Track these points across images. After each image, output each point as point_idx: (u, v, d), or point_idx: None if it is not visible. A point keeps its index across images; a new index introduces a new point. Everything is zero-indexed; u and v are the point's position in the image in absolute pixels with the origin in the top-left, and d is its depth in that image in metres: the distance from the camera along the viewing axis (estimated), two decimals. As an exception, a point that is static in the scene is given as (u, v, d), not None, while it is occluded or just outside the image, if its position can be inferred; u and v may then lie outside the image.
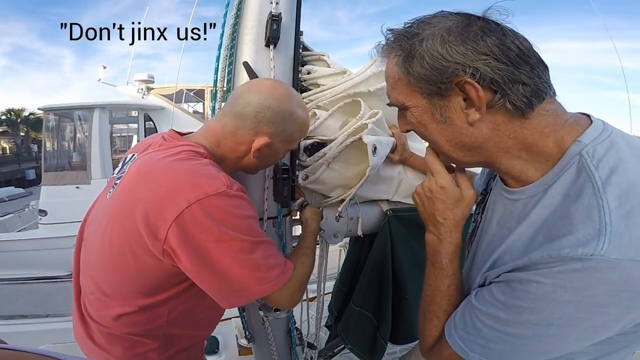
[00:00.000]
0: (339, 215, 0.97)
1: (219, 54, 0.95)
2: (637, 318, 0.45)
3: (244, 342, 1.45)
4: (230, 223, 0.63)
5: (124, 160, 0.80)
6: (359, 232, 1.09)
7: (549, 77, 0.50)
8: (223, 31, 0.96)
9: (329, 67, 1.14)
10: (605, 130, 0.49)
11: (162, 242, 0.61)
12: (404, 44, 0.52)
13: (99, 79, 6.87)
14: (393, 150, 1.09)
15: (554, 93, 0.51)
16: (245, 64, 0.91)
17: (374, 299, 1.15)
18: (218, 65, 0.95)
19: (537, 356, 0.50)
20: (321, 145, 1.03)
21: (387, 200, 1.16)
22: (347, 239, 1.39)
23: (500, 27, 0.49)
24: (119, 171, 0.78)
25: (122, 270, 0.68)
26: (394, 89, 0.57)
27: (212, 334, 1.89)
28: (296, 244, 0.94)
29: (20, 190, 11.89)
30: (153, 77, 6.92)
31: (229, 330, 1.76)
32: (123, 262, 0.66)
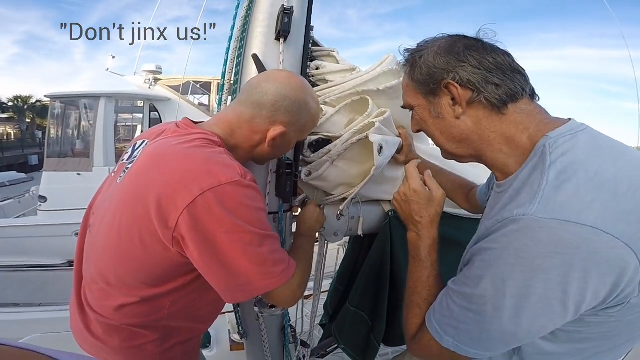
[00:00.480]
0: (340, 213, 0.96)
1: (229, 45, 0.94)
2: (587, 298, 0.47)
3: (236, 337, 1.44)
4: (242, 214, 0.62)
5: (134, 147, 0.78)
6: (360, 232, 1.08)
7: (525, 82, 0.60)
8: (234, 24, 0.96)
9: (338, 63, 1.13)
10: (577, 129, 0.55)
11: (173, 229, 0.61)
12: (410, 59, 0.67)
13: (107, 69, 6.86)
14: (399, 150, 1.08)
15: (534, 96, 0.61)
16: (254, 57, 0.90)
17: (370, 300, 1.14)
18: (227, 57, 0.94)
19: (505, 340, 0.52)
20: (326, 141, 1.02)
21: (390, 200, 1.15)
22: (346, 238, 1.38)
23: (482, 43, 0.61)
24: (129, 157, 0.76)
25: (129, 258, 0.67)
26: (405, 93, 0.71)
27: (205, 329, 1.90)
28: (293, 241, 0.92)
29: (22, 175, 11.90)
30: (161, 68, 6.91)
31: (221, 324, 1.75)
32: (130, 250, 0.65)
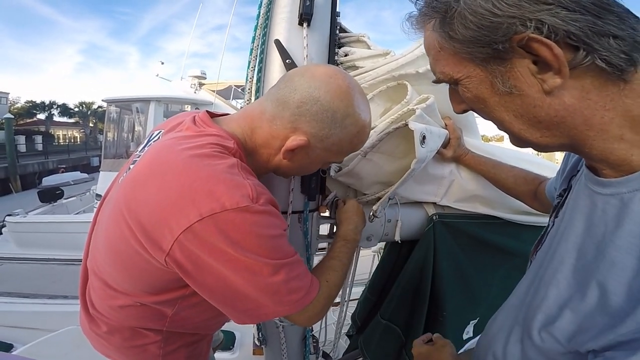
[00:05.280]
0: (373, 214, 0.83)
1: (254, 34, 0.88)
2: None
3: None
4: (250, 244, 0.53)
5: (150, 136, 0.72)
6: (397, 237, 0.94)
7: None
8: (259, 12, 0.89)
9: (369, 48, 1.01)
10: None
11: (166, 253, 0.52)
12: (436, 5, 0.43)
13: (157, 74, 7.31)
14: (445, 144, 0.93)
15: None
16: (277, 42, 0.82)
17: (405, 314, 1.02)
18: (252, 45, 0.88)
19: None
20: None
21: (434, 203, 1.00)
22: (382, 244, 1.24)
23: None
24: (141, 148, 0.70)
25: (123, 264, 0.60)
26: (437, 61, 0.47)
27: (229, 330, 1.85)
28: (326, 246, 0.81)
29: (85, 175, 13.09)
30: (205, 74, 7.24)
31: (248, 326, 1.69)
32: (125, 256, 0.58)
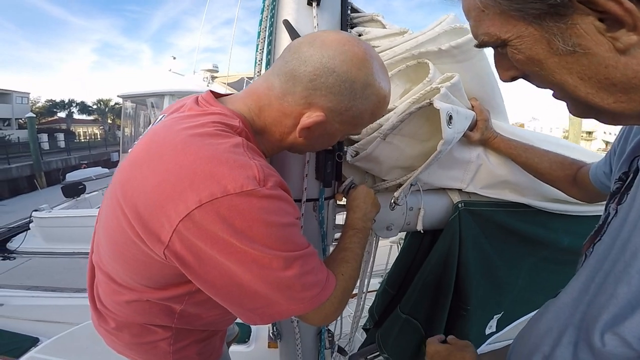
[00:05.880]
0: (394, 202, 0.77)
1: (261, 16, 0.82)
2: None
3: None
4: (258, 234, 0.46)
5: (155, 121, 0.67)
6: (419, 227, 0.88)
7: None
8: None
9: (384, 27, 0.94)
10: None
11: (165, 245, 0.47)
12: None
13: (170, 69, 7.35)
14: (472, 127, 0.86)
15: None
16: (286, 23, 0.77)
17: (426, 308, 0.97)
18: (259, 28, 0.82)
19: None
20: (377, 116, 0.84)
21: (459, 190, 0.93)
22: (402, 234, 1.18)
23: None
24: (144, 133, 0.66)
25: (124, 259, 0.55)
26: (480, 22, 0.40)
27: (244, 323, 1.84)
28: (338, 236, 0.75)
29: (106, 170, 13.46)
30: (217, 67, 7.24)
31: None
32: (124, 249, 0.54)
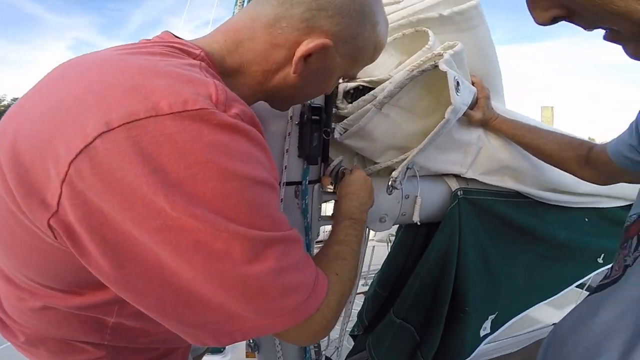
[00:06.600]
0: (391, 184, 0.66)
1: None
2: None
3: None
4: (206, 189, 0.28)
5: None
6: (415, 218, 0.77)
7: None
8: None
9: None
10: None
11: (53, 211, 0.28)
12: None
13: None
14: (473, 105, 0.77)
15: None
16: None
17: (422, 311, 0.87)
18: None
19: None
20: (368, 90, 0.72)
21: (456, 176, 0.83)
22: (391, 230, 1.08)
23: None
24: None
25: (10, 248, 0.37)
26: None
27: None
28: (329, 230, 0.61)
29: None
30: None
31: None
32: (8, 235, 0.35)
